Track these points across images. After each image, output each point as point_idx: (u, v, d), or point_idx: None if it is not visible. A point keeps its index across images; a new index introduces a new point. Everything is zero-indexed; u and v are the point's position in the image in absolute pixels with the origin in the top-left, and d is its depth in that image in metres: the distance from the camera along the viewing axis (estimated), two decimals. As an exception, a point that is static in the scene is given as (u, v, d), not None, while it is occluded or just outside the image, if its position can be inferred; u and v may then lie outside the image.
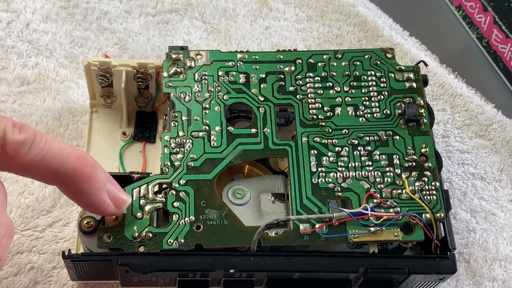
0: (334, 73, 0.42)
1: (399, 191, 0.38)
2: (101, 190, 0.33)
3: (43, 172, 0.31)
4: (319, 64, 0.42)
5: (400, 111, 0.40)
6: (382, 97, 0.41)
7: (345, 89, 0.41)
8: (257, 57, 0.42)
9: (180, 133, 0.39)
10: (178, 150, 0.38)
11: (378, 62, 0.42)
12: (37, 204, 0.43)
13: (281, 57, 0.42)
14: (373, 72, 0.42)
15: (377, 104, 0.41)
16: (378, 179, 0.38)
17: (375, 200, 0.37)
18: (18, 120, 0.31)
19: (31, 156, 0.30)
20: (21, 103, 0.46)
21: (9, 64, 0.48)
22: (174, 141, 0.38)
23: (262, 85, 0.41)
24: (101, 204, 0.33)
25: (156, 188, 0.37)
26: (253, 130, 0.39)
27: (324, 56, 0.42)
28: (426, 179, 0.38)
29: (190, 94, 0.40)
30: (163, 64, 0.41)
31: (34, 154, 0.30)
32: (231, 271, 0.36)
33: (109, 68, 0.42)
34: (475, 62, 0.53)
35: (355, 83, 0.41)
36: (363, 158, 0.39)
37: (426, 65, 0.44)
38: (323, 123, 0.40)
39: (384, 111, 0.40)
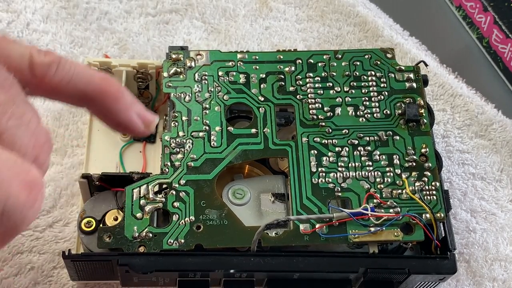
0: (334, 73, 0.42)
1: (399, 191, 0.38)
2: (130, 109, 0.34)
3: (72, 93, 0.32)
4: (319, 64, 0.42)
5: (400, 111, 0.40)
6: (382, 97, 0.41)
7: (345, 89, 0.41)
8: (257, 57, 0.42)
9: (180, 133, 0.39)
10: (178, 150, 0.38)
11: (378, 62, 0.42)
12: (37, 204, 0.43)
13: (281, 57, 0.42)
14: (373, 72, 0.42)
15: (377, 104, 0.41)
16: (378, 179, 0.38)
17: (375, 200, 0.37)
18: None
19: (58, 78, 0.31)
20: (21, 103, 0.46)
21: (9, 64, 0.48)
22: (174, 141, 0.39)
23: (262, 85, 0.41)
24: (130, 123, 0.34)
25: (156, 188, 0.37)
26: (253, 130, 0.39)
27: (324, 56, 0.42)
28: (426, 179, 0.38)
29: (190, 94, 0.40)
30: (163, 64, 0.41)
31: (61, 75, 0.31)
32: (231, 271, 0.36)
33: (109, 68, 0.42)
34: (475, 62, 0.53)
35: (355, 83, 0.41)
36: (363, 158, 0.39)
37: (426, 65, 0.44)
38: (323, 123, 0.40)
39: (384, 111, 0.40)
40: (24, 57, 0.30)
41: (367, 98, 0.41)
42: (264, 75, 0.41)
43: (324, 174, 0.38)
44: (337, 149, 0.39)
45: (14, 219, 0.25)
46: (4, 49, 0.30)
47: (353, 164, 0.39)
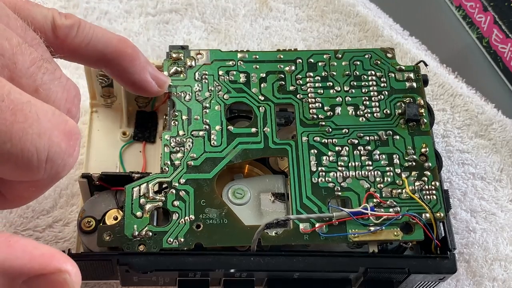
0: (335, 73, 0.42)
1: (399, 190, 0.38)
2: (144, 70, 0.37)
3: (91, 54, 0.34)
4: (320, 63, 0.42)
5: (400, 111, 0.40)
6: (382, 96, 0.41)
7: (345, 88, 0.41)
8: (257, 56, 0.42)
9: (180, 132, 0.39)
10: (178, 149, 0.38)
11: (379, 62, 0.42)
12: (37, 204, 0.43)
13: (282, 56, 0.42)
14: (373, 72, 0.42)
15: (377, 103, 0.41)
16: (378, 179, 0.38)
17: (375, 200, 0.37)
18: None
19: (79, 39, 0.33)
20: (21, 103, 0.46)
21: (9, 64, 0.48)
22: (174, 140, 0.39)
23: (262, 85, 0.41)
24: (145, 83, 0.37)
25: (156, 187, 0.37)
26: (253, 130, 0.39)
27: (325, 56, 0.42)
28: (426, 178, 0.38)
29: (190, 93, 0.40)
30: (163, 63, 0.41)
31: (82, 37, 0.33)
32: (231, 270, 0.36)
33: (109, 67, 0.42)
34: (475, 62, 0.54)
35: (355, 83, 0.41)
36: (363, 158, 0.39)
37: (426, 65, 0.44)
38: (323, 123, 0.40)
39: (384, 111, 0.40)
40: (47, 19, 0.32)
41: (367, 98, 0.41)
42: (264, 75, 0.41)
43: (324, 173, 0.38)
44: (337, 148, 0.39)
45: (57, 166, 0.27)
46: (28, 11, 0.31)
47: (353, 164, 0.39)
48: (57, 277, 0.26)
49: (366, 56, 0.42)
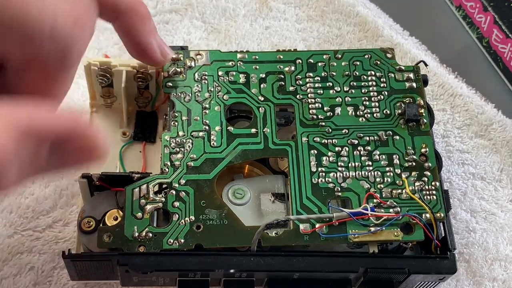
0: (334, 73, 0.42)
1: (399, 191, 0.38)
2: (152, 34, 0.36)
3: (103, 4, 0.33)
4: (319, 64, 0.42)
5: (400, 111, 0.40)
6: (382, 97, 0.41)
7: (345, 89, 0.41)
8: (257, 57, 0.42)
9: (180, 133, 0.39)
10: (178, 150, 0.38)
11: (378, 62, 0.42)
12: (37, 205, 0.43)
13: (281, 57, 0.42)
14: (373, 72, 0.42)
15: (377, 104, 0.41)
16: (378, 179, 0.38)
17: (375, 200, 0.37)
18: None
19: None
20: (21, 103, 0.46)
21: (9, 64, 0.48)
22: (174, 141, 0.39)
23: (262, 85, 0.41)
24: (149, 46, 0.37)
25: (156, 188, 0.37)
26: (253, 130, 0.39)
27: (324, 56, 0.42)
28: (426, 179, 0.38)
29: (190, 94, 0.40)
30: (163, 63, 0.41)
31: None
32: (231, 271, 0.36)
33: (109, 68, 0.42)
34: (475, 62, 0.53)
35: (355, 83, 0.41)
36: (363, 158, 0.39)
37: (426, 65, 0.44)
38: (323, 123, 0.40)
39: (384, 111, 0.40)
40: None
41: (367, 98, 0.41)
42: (264, 75, 0.41)
43: (324, 174, 0.38)
44: (337, 149, 0.39)
45: (64, 41, 0.26)
46: None
47: (353, 164, 0.39)
48: (87, 140, 0.25)
49: (366, 56, 0.42)
